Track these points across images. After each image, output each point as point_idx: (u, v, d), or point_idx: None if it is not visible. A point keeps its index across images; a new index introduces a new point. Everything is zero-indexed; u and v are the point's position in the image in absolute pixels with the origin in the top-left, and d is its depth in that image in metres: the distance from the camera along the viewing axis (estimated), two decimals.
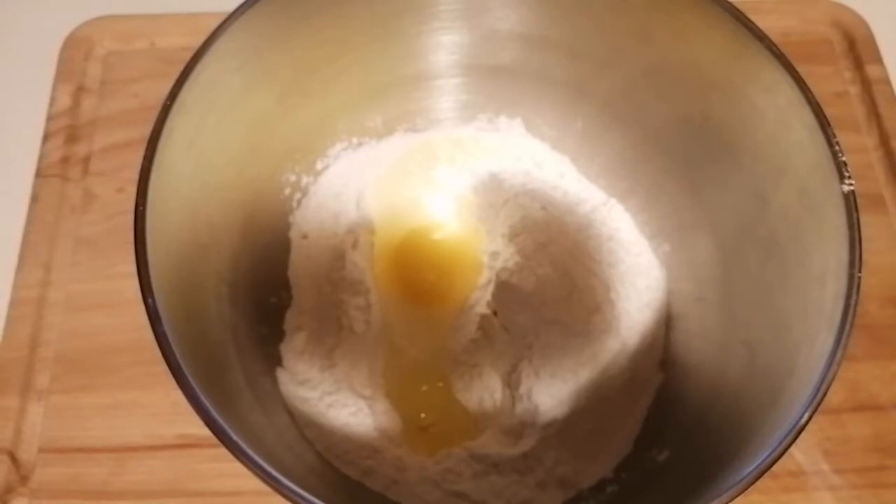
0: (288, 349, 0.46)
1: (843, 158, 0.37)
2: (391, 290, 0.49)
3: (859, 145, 0.55)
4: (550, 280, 0.48)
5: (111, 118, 0.55)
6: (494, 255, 0.50)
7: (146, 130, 0.37)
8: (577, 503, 0.43)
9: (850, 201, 0.36)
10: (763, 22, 0.40)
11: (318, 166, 0.51)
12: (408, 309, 0.49)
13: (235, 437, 0.32)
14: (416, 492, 0.42)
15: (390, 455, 0.43)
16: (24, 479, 0.45)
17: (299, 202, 0.50)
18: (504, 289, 0.48)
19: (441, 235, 0.51)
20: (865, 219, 0.36)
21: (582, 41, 0.47)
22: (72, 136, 0.55)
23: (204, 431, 0.32)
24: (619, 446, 0.44)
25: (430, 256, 0.51)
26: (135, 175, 0.36)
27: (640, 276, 0.49)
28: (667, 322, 0.48)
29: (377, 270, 0.50)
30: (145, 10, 0.59)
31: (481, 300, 0.49)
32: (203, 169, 0.41)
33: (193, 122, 0.39)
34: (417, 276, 0.50)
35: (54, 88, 0.56)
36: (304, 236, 0.50)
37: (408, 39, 0.48)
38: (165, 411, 0.46)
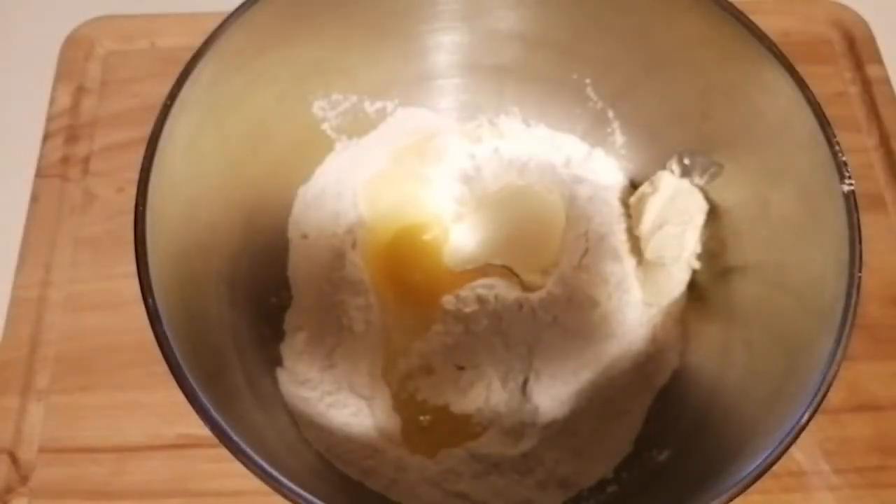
0: (288, 349, 0.46)
1: (843, 158, 0.37)
2: (387, 289, 0.49)
3: (859, 145, 0.55)
4: (550, 280, 0.48)
5: (111, 118, 0.55)
6: None
7: (146, 130, 0.37)
8: (577, 503, 0.43)
9: (850, 201, 0.36)
10: (763, 22, 0.40)
11: (318, 166, 0.51)
12: (406, 308, 0.49)
13: (235, 437, 0.32)
14: (416, 492, 0.42)
15: (390, 455, 0.43)
16: (24, 479, 0.45)
17: (299, 202, 0.50)
18: (503, 289, 0.48)
19: (438, 234, 0.51)
20: (865, 219, 0.36)
21: (582, 41, 0.47)
22: (72, 136, 0.55)
23: (204, 431, 0.32)
24: (619, 446, 0.44)
25: (429, 256, 0.51)
26: (135, 175, 0.36)
27: None
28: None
29: (372, 269, 0.49)
30: (145, 10, 0.59)
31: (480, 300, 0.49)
32: (203, 169, 0.41)
33: (193, 122, 0.39)
34: (412, 274, 0.50)
35: (54, 88, 0.56)
36: (304, 236, 0.50)
37: (408, 39, 0.49)
38: (165, 411, 0.46)
